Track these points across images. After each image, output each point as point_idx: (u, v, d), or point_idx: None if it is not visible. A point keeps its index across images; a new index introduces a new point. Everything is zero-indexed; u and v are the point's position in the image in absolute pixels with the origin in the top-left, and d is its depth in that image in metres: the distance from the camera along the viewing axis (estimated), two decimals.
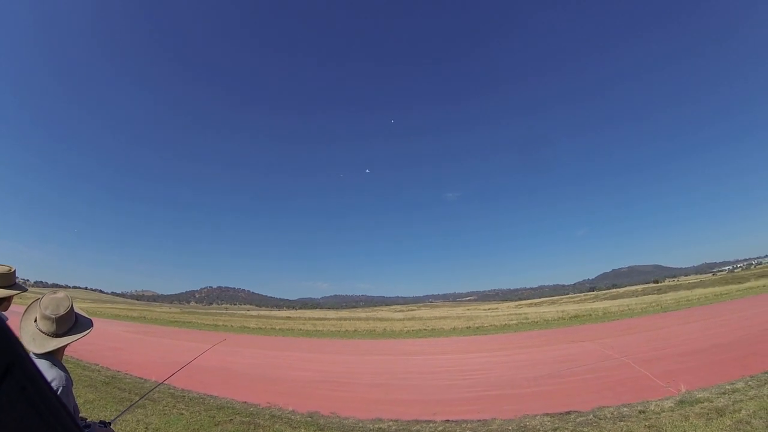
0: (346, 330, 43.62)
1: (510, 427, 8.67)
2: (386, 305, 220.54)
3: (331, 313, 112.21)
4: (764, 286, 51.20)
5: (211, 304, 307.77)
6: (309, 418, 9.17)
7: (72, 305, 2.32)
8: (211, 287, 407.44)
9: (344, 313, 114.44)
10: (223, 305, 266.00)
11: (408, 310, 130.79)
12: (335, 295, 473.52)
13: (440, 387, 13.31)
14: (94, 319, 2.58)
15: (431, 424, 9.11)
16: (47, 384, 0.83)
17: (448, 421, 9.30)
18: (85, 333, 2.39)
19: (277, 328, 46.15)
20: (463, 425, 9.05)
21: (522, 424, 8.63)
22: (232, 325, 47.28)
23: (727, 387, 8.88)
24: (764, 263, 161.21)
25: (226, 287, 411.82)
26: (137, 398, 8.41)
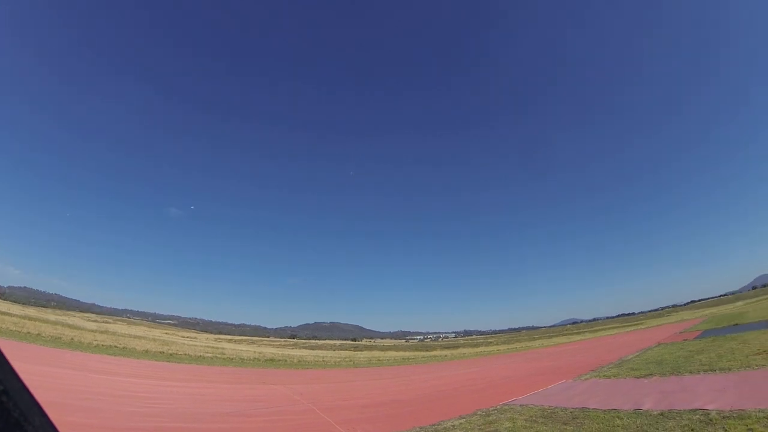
0: (29, 332, 37.50)
1: None
2: (80, 311, 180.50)
3: (16, 308, 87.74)
4: (446, 355, 66.29)
5: None
6: None
7: None
8: None
9: (31, 311, 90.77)
10: None
11: (103, 321, 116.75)
12: (25, 287, 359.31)
13: (122, 413, 11.80)
14: None
15: None
16: (23, 385, 0.78)
17: None
18: None
19: None
20: None
21: None
22: None
23: None
24: (450, 338, 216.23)
25: None
26: None
